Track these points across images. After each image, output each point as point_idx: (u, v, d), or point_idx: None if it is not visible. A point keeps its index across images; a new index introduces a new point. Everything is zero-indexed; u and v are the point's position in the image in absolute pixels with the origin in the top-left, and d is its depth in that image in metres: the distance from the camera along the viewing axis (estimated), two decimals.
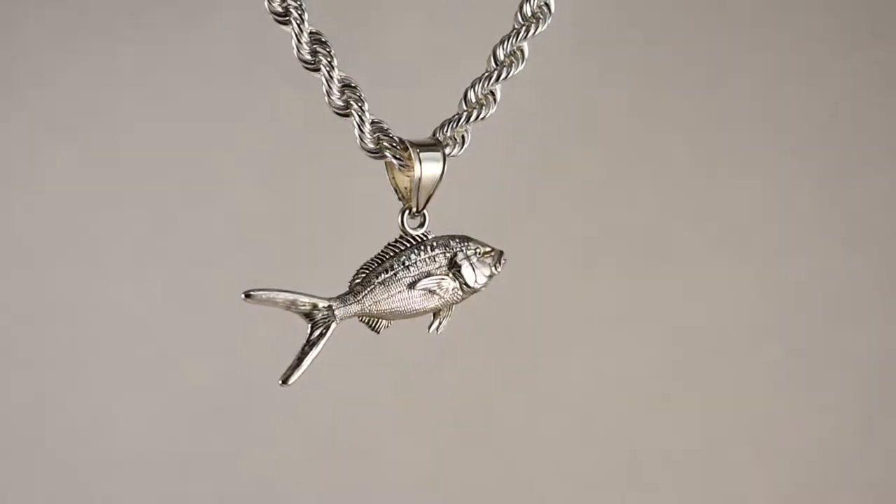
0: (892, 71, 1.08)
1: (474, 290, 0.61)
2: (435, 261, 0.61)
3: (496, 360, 1.10)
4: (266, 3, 0.58)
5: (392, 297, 0.61)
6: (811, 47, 1.08)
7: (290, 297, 0.62)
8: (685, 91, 1.09)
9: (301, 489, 1.10)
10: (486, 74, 0.61)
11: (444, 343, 1.09)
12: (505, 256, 0.61)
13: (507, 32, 0.61)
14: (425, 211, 0.62)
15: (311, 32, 0.60)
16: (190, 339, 1.08)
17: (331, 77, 0.59)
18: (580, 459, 1.09)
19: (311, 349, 0.61)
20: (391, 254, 0.61)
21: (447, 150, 0.61)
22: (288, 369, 0.61)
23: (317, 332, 0.62)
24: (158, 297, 1.08)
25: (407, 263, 0.61)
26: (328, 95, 0.59)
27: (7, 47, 1.06)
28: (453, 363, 1.09)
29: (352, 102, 0.60)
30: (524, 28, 0.61)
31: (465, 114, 0.61)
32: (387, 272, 0.60)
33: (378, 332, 0.62)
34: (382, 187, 0.63)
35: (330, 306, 0.62)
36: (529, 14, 0.61)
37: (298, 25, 0.59)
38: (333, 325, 0.61)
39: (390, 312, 0.61)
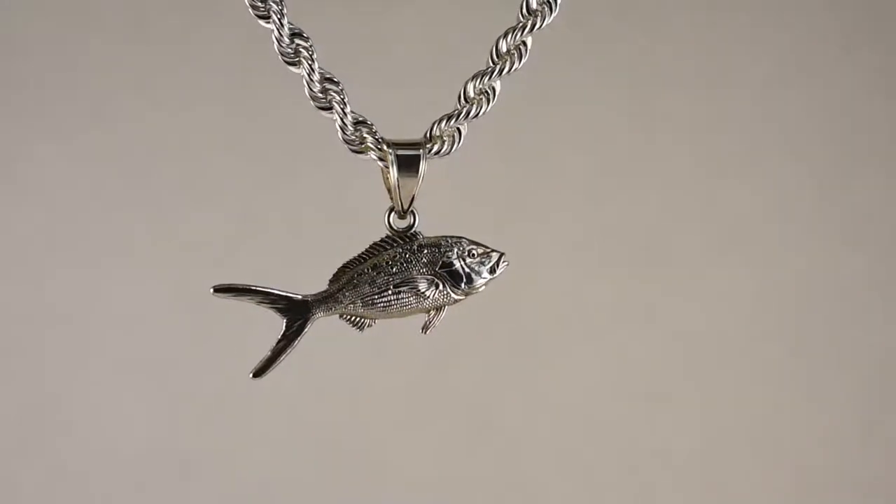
0: (892, 71, 1.08)
1: (467, 292, 0.60)
2: (419, 261, 0.60)
3: (496, 359, 1.10)
4: (246, 0, 0.58)
5: (370, 295, 0.60)
6: (811, 47, 1.09)
7: (262, 292, 0.60)
8: (685, 91, 1.09)
9: (301, 489, 1.10)
10: (487, 69, 0.61)
11: (445, 343, 1.09)
12: (506, 259, 0.60)
13: (511, 26, 0.60)
14: (413, 210, 0.61)
15: (291, 27, 0.60)
16: (190, 339, 1.08)
17: (312, 70, 0.59)
18: (580, 459, 1.09)
19: (285, 345, 0.60)
20: (374, 252, 0.60)
21: (437, 148, 0.60)
22: (260, 363, 0.61)
23: (292, 329, 0.60)
24: (158, 297, 1.08)
25: (388, 262, 0.60)
26: (309, 88, 0.60)
27: (7, 47, 1.06)
28: (453, 363, 1.09)
29: (333, 96, 0.60)
30: (529, 22, 0.60)
31: (462, 110, 0.60)
32: (366, 271, 0.60)
33: (362, 331, 0.61)
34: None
35: (305, 303, 0.60)
36: (535, 7, 0.61)
37: (279, 20, 0.59)
38: (309, 322, 0.60)
39: (370, 311, 0.60)
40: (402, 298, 0.60)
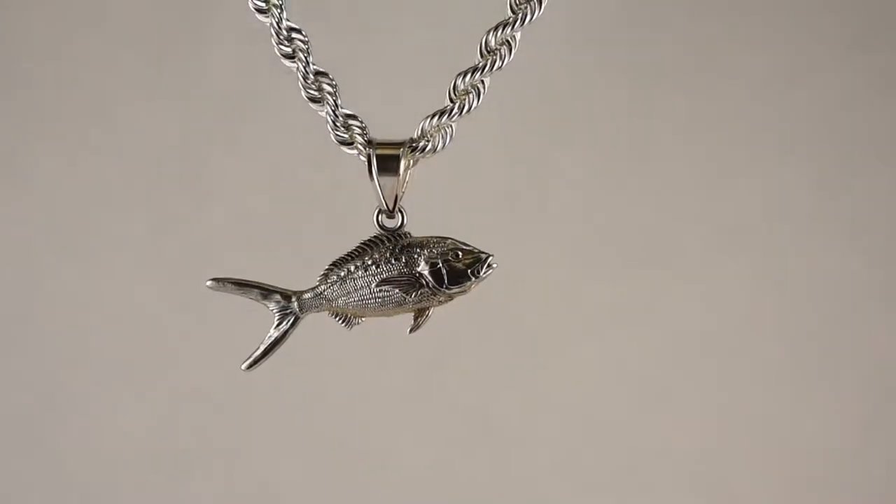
0: (892, 71, 1.08)
1: (450, 294, 0.60)
2: (401, 260, 0.60)
3: (495, 359, 1.10)
4: None
5: (353, 293, 0.60)
6: (811, 47, 1.08)
7: (255, 286, 0.60)
8: (685, 91, 1.09)
9: (301, 489, 1.10)
10: (476, 66, 0.60)
11: (444, 343, 1.09)
12: (495, 262, 0.60)
13: (500, 21, 0.60)
14: (401, 209, 0.61)
15: (289, 24, 0.60)
16: (190, 339, 1.08)
17: (307, 64, 0.60)
18: (580, 459, 1.09)
19: (275, 338, 0.61)
20: (360, 251, 0.60)
21: (425, 146, 0.60)
22: (251, 356, 0.62)
23: (281, 323, 0.60)
24: (159, 297, 1.08)
25: (371, 262, 0.60)
26: (303, 80, 0.60)
27: (7, 47, 1.06)
28: (453, 363, 1.09)
29: (325, 91, 0.60)
30: (517, 18, 0.60)
31: (451, 107, 0.60)
32: (350, 269, 0.60)
33: (350, 328, 0.62)
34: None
35: (294, 299, 0.60)
36: (523, 2, 0.61)
37: (278, 14, 0.60)
38: (296, 317, 0.61)
39: (354, 310, 0.60)
40: (383, 298, 0.60)
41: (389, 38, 1.08)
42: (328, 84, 0.61)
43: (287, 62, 0.60)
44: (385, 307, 0.60)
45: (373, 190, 0.61)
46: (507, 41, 0.60)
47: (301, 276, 1.10)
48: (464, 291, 0.60)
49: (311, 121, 1.09)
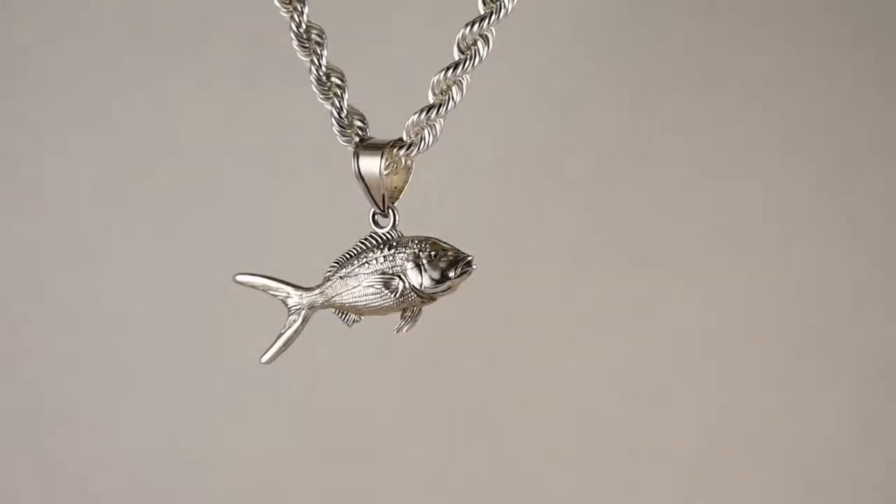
0: (892, 71, 1.08)
1: (429, 295, 0.60)
2: (387, 261, 0.61)
3: (496, 359, 1.10)
4: None
5: (348, 292, 0.61)
6: (811, 47, 1.08)
7: (272, 283, 0.65)
8: (685, 91, 1.09)
9: (301, 489, 1.10)
10: (454, 63, 0.60)
11: (443, 343, 1.09)
12: (474, 264, 0.59)
13: (473, 18, 0.60)
14: (393, 209, 0.61)
15: (308, 21, 0.60)
16: (190, 338, 1.08)
17: (320, 57, 0.60)
18: (580, 459, 1.09)
19: (288, 333, 0.63)
20: (356, 250, 0.61)
21: (410, 145, 0.60)
22: (267, 349, 0.63)
23: (291, 319, 0.64)
24: (159, 297, 1.08)
25: (364, 260, 0.61)
26: (316, 73, 0.60)
27: (7, 47, 1.06)
28: (453, 363, 1.09)
29: (334, 86, 0.61)
30: (491, 11, 0.60)
31: (431, 105, 0.60)
32: (345, 267, 0.61)
33: (349, 326, 0.62)
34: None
35: (302, 295, 0.63)
36: None
37: (300, 7, 0.60)
38: (304, 313, 0.63)
39: (351, 307, 0.61)
40: (372, 297, 0.61)
41: (392, 38, 1.08)
42: (338, 79, 0.61)
43: (302, 56, 0.60)
44: (374, 306, 0.61)
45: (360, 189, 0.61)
46: (483, 36, 0.59)
47: (301, 275, 1.10)
48: (445, 291, 0.60)
49: (311, 120, 1.09)
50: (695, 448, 1.09)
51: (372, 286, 0.61)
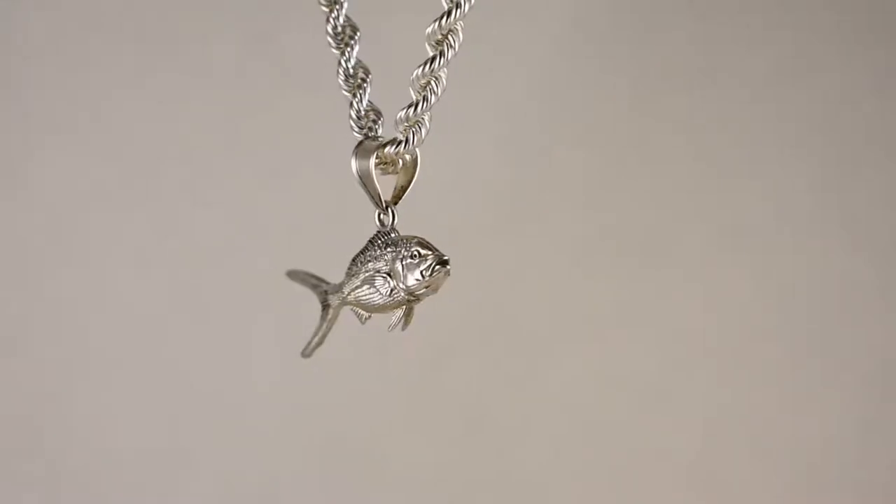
0: (892, 71, 1.08)
1: (411, 292, 0.61)
2: (380, 259, 0.61)
3: (496, 360, 1.10)
4: None
5: (354, 290, 0.62)
6: (811, 47, 1.08)
7: (313, 280, 0.67)
8: (685, 91, 1.09)
9: (301, 489, 1.10)
10: (428, 59, 0.60)
11: (444, 343, 1.09)
12: (448, 266, 0.60)
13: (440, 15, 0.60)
14: (392, 209, 0.62)
15: (346, 18, 0.61)
16: (190, 338, 1.08)
17: (351, 53, 0.60)
18: (580, 459, 1.09)
19: (320, 327, 0.66)
20: (364, 248, 0.62)
21: (399, 143, 0.60)
22: (307, 344, 0.68)
23: (322, 313, 0.66)
24: (159, 297, 1.08)
25: (366, 259, 0.62)
26: (345, 66, 0.60)
27: (7, 47, 1.06)
28: (454, 363, 1.09)
29: (360, 83, 0.61)
30: (454, 7, 0.60)
31: (415, 103, 0.61)
32: (355, 265, 0.62)
33: (362, 323, 0.64)
34: (384, 187, 0.63)
35: (328, 291, 0.65)
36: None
37: (342, 3, 0.61)
38: (330, 308, 0.65)
39: (356, 304, 0.62)
40: (370, 295, 0.62)
41: (393, 39, 1.08)
42: (363, 73, 0.61)
43: (335, 50, 0.61)
44: (374, 304, 0.62)
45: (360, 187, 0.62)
46: (453, 30, 0.60)
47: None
48: (424, 290, 0.60)
49: (310, 120, 1.09)
50: (695, 447, 1.09)
51: (369, 284, 0.62)
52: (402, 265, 0.60)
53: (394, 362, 1.09)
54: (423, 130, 0.61)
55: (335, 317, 0.65)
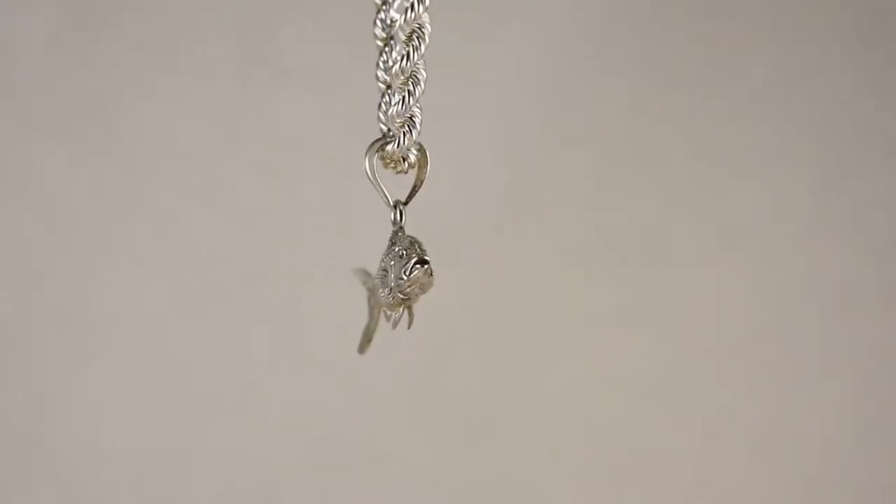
0: (892, 71, 1.08)
1: (400, 292, 0.61)
2: (385, 258, 0.62)
3: (497, 360, 1.10)
4: None
5: (374, 287, 0.63)
6: (811, 48, 1.09)
7: (363, 276, 0.68)
8: (685, 91, 1.09)
9: (302, 489, 1.10)
10: (402, 54, 0.61)
11: (445, 343, 1.09)
12: (428, 267, 0.60)
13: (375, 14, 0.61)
14: (399, 208, 0.62)
15: (392, 13, 0.61)
16: (190, 339, 1.08)
17: (412, 56, 0.61)
18: (580, 459, 1.09)
19: (367, 322, 0.67)
20: (387, 247, 0.63)
21: (390, 141, 0.61)
22: (361, 341, 0.69)
23: (369, 309, 0.67)
24: (159, 296, 1.08)
25: (383, 258, 0.62)
26: (384, 59, 0.61)
27: (7, 47, 1.06)
28: (454, 363, 1.09)
29: (410, 82, 0.61)
30: (387, 47, 0.61)
31: (402, 98, 0.61)
32: (380, 263, 0.63)
33: (388, 320, 0.65)
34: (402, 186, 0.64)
35: (370, 288, 0.67)
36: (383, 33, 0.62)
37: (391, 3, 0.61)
38: (372, 304, 0.67)
39: (378, 303, 0.63)
40: (381, 293, 0.63)
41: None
42: (416, 77, 0.62)
43: (379, 42, 0.61)
44: (385, 302, 0.62)
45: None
46: (419, 26, 0.61)
47: (301, 276, 1.10)
48: (409, 289, 0.61)
49: (311, 119, 1.09)
50: (695, 447, 1.09)
51: (381, 281, 0.63)
52: (391, 264, 0.61)
53: (394, 362, 1.09)
54: (418, 124, 0.61)
55: (376, 314, 0.66)
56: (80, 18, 1.06)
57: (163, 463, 1.08)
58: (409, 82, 0.61)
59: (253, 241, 1.08)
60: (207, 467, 1.09)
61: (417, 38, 0.61)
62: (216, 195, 1.08)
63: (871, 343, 1.09)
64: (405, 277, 0.60)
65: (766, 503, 1.09)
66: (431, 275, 0.59)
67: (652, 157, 1.09)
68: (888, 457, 1.09)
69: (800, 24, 1.08)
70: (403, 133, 0.61)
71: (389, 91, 0.61)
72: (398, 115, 0.61)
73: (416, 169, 0.62)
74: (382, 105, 0.62)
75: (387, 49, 0.62)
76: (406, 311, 0.62)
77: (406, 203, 0.62)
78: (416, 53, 0.61)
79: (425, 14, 0.60)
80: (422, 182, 0.62)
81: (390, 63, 0.61)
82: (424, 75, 0.61)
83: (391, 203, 0.62)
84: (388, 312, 0.63)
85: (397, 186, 0.63)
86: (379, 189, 0.62)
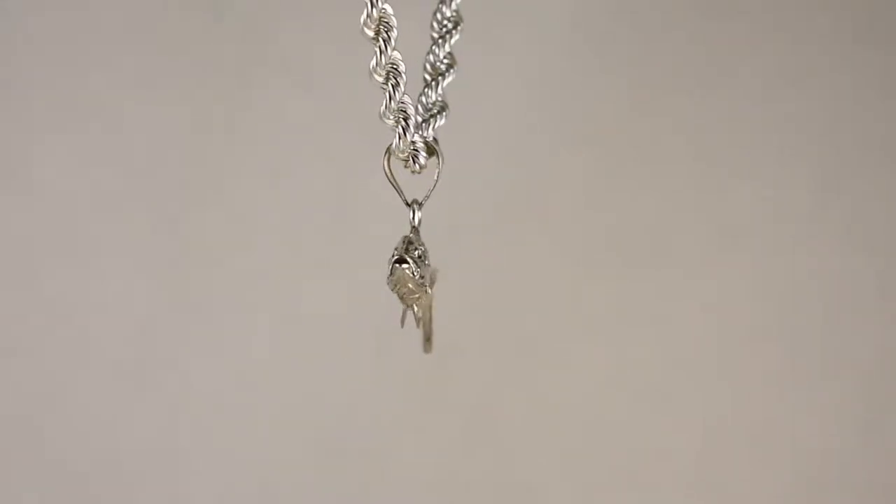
0: (892, 71, 1.08)
1: (393, 290, 0.62)
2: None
3: (497, 360, 1.10)
4: None
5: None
6: (811, 47, 1.08)
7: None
8: (685, 91, 1.09)
9: (302, 489, 1.10)
10: (426, 87, 0.62)
11: (446, 343, 1.09)
12: (406, 266, 0.60)
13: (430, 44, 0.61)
14: (412, 206, 0.63)
15: (382, 9, 0.61)
16: (190, 339, 1.08)
17: (384, 50, 0.60)
18: (581, 459, 1.09)
19: (422, 317, 0.68)
20: None
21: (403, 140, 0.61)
22: (423, 342, 0.69)
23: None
24: (159, 297, 1.08)
25: None
26: (375, 64, 0.61)
27: (7, 47, 1.06)
28: (454, 363, 1.09)
29: (391, 77, 0.61)
30: (441, 38, 0.62)
31: (423, 123, 0.61)
32: None
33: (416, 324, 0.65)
34: (382, 187, 0.64)
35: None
36: (440, 26, 0.62)
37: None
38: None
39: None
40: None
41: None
42: (394, 72, 0.62)
43: (369, 38, 0.61)
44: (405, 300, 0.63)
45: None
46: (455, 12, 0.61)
47: (301, 275, 1.10)
48: (395, 289, 0.61)
49: (310, 119, 1.08)
50: (695, 447, 1.09)
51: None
52: (389, 261, 0.61)
53: (394, 362, 1.09)
54: (439, 120, 0.62)
55: (426, 312, 0.67)
56: (80, 18, 1.06)
57: (163, 463, 1.08)
58: (391, 76, 0.61)
59: (253, 241, 1.08)
60: (207, 467, 1.09)
61: (449, 29, 0.61)
62: (216, 195, 1.08)
63: (871, 343, 1.09)
64: (389, 276, 0.60)
65: (766, 503, 1.09)
66: (413, 274, 0.60)
67: (652, 156, 1.09)
68: (888, 457, 1.09)
69: (800, 24, 1.08)
70: (403, 128, 0.61)
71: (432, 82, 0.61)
72: (389, 109, 0.61)
73: (434, 167, 0.62)
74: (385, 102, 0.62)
75: (439, 42, 0.62)
76: (409, 311, 0.63)
77: (421, 203, 0.63)
78: (445, 45, 0.61)
79: (448, 48, 0.60)
80: (435, 182, 0.63)
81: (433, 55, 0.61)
82: (403, 66, 0.60)
83: (408, 202, 0.62)
84: (416, 311, 0.64)
85: (416, 187, 0.63)
86: (396, 187, 0.62)
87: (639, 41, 1.08)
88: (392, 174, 0.62)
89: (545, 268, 1.09)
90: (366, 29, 0.60)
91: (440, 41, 0.63)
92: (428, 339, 0.70)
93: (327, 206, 1.08)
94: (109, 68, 1.06)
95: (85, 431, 1.08)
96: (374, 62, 0.60)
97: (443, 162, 0.63)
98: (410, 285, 0.60)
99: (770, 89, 1.09)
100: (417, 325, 0.64)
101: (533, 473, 1.10)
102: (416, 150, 0.62)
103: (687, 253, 1.09)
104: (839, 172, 1.09)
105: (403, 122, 0.61)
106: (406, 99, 0.61)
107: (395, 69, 0.60)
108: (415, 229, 0.62)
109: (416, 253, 0.61)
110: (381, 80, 0.60)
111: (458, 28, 0.63)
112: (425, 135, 0.62)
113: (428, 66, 0.64)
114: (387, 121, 0.61)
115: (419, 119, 0.63)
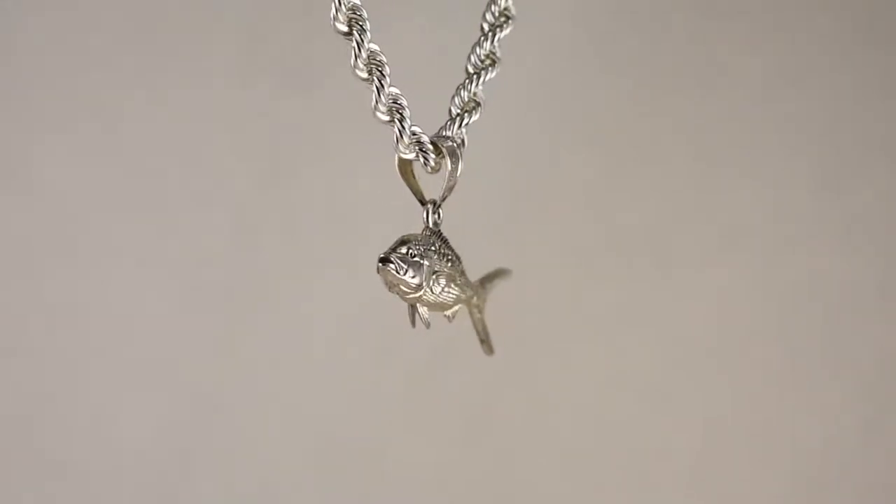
0: (892, 71, 1.08)
1: (395, 290, 0.62)
2: None
3: (497, 360, 1.10)
4: None
5: None
6: (811, 47, 1.09)
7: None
8: (685, 91, 1.09)
9: (302, 489, 1.10)
10: (467, 79, 0.61)
11: (447, 343, 1.09)
12: (390, 266, 0.60)
13: (477, 39, 0.61)
14: (426, 206, 0.62)
15: (350, 5, 0.60)
16: (190, 339, 1.08)
17: (361, 43, 0.60)
18: (581, 459, 1.09)
19: (474, 318, 0.69)
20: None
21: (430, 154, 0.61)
22: (483, 343, 0.70)
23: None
24: (159, 297, 1.08)
25: None
26: (355, 59, 0.60)
27: (7, 47, 1.06)
28: (454, 363, 1.09)
29: (374, 71, 0.61)
30: (491, 33, 0.61)
31: (457, 118, 0.61)
32: None
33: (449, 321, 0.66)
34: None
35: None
36: (492, 21, 0.62)
37: None
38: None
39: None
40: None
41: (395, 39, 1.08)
42: (377, 64, 0.61)
43: (343, 35, 0.60)
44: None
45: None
46: (491, 55, 0.61)
47: (301, 276, 1.10)
48: (390, 289, 0.61)
49: (312, 121, 1.08)
50: (695, 447, 1.09)
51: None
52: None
53: (394, 362, 1.09)
54: (474, 115, 0.62)
55: (478, 312, 0.69)
56: (80, 18, 1.06)
57: (163, 463, 1.08)
58: (375, 69, 0.60)
59: (253, 241, 1.08)
60: (207, 468, 1.09)
61: (486, 67, 0.61)
62: (216, 195, 1.08)
63: (871, 343, 1.09)
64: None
65: (766, 503, 1.09)
66: (397, 271, 0.59)
67: (652, 157, 1.09)
68: (888, 457, 1.09)
69: (800, 24, 1.08)
70: (399, 121, 0.61)
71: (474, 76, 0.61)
72: (381, 104, 0.60)
73: (448, 168, 0.62)
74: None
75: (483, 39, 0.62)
76: (413, 309, 0.62)
77: (433, 203, 0.62)
78: (492, 40, 0.61)
79: (496, 47, 0.60)
80: (454, 184, 0.62)
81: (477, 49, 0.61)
82: (384, 58, 0.60)
83: (422, 202, 0.62)
84: (446, 313, 0.64)
85: (435, 187, 0.63)
86: (411, 187, 0.62)
87: (639, 41, 1.09)
88: (410, 174, 0.62)
89: (545, 267, 1.09)
90: (337, 24, 0.59)
91: (489, 34, 0.63)
92: (483, 342, 0.71)
93: (327, 206, 1.08)
94: (109, 68, 1.06)
95: (85, 432, 1.08)
96: (352, 58, 0.60)
97: (461, 161, 0.62)
98: (402, 287, 0.60)
99: (770, 89, 1.09)
100: (413, 325, 0.64)
101: (533, 473, 1.10)
102: (423, 148, 0.61)
103: (687, 253, 1.09)
104: (839, 172, 1.09)
105: (399, 115, 0.60)
106: (394, 90, 0.60)
107: (377, 62, 0.60)
108: (430, 230, 0.62)
109: (410, 252, 0.60)
110: (363, 75, 0.60)
111: (510, 22, 0.63)
112: (451, 133, 0.62)
113: (474, 59, 0.63)
114: (380, 116, 0.60)
115: (453, 113, 0.62)
